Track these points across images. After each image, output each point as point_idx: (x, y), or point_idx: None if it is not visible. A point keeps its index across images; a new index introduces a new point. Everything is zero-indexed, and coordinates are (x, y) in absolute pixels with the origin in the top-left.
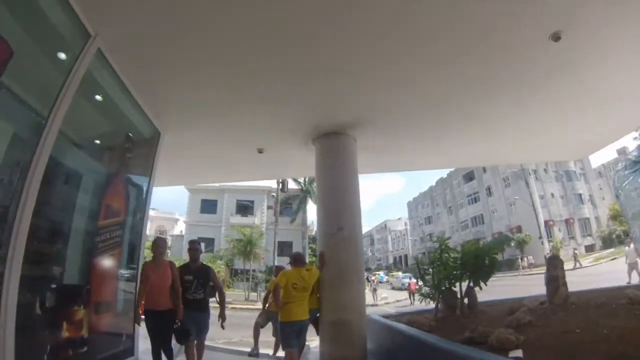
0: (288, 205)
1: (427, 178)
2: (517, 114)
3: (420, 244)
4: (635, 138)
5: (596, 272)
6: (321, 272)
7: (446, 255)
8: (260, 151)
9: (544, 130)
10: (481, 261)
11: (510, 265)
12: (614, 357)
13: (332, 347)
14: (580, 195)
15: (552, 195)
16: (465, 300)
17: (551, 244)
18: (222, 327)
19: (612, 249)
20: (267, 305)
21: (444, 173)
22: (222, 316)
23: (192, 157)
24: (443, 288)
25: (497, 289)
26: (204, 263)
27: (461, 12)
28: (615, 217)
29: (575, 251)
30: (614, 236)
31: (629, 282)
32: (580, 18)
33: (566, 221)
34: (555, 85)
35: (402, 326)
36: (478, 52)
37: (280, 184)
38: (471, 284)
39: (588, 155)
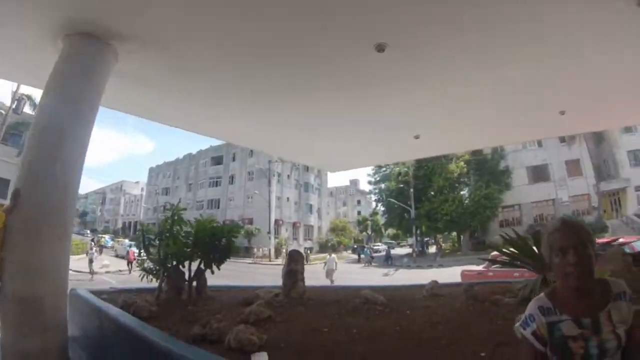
0: (18, 132)
1: (177, 149)
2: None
3: (153, 213)
4: (368, 174)
5: (311, 270)
6: (7, 217)
7: (178, 227)
8: None
9: (322, 137)
10: (217, 242)
11: (238, 252)
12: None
13: (17, 336)
14: (311, 205)
15: (288, 199)
16: (194, 283)
17: (277, 240)
18: None
19: (325, 254)
20: None
21: (194, 149)
22: None
23: None
24: (169, 265)
25: (222, 272)
26: None
27: None
28: (333, 229)
29: (307, 250)
30: (329, 244)
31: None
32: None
33: (294, 224)
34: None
35: (114, 310)
36: None
37: (16, 102)
38: (202, 266)
39: (344, 170)
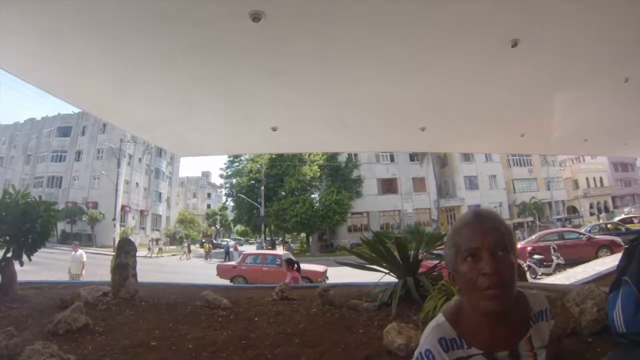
0: None
1: (16, 112)
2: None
3: None
4: (220, 168)
5: (157, 263)
6: None
7: None
8: None
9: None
10: (30, 223)
11: (79, 239)
12: None
13: None
14: (161, 194)
15: (137, 184)
16: None
17: (123, 228)
18: None
19: (174, 246)
20: None
21: (38, 114)
22: None
23: None
24: None
25: (56, 264)
26: None
27: None
28: (182, 221)
29: (153, 241)
30: (177, 236)
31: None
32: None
33: (141, 212)
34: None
35: None
36: None
37: None
38: (10, 255)
39: (196, 155)
